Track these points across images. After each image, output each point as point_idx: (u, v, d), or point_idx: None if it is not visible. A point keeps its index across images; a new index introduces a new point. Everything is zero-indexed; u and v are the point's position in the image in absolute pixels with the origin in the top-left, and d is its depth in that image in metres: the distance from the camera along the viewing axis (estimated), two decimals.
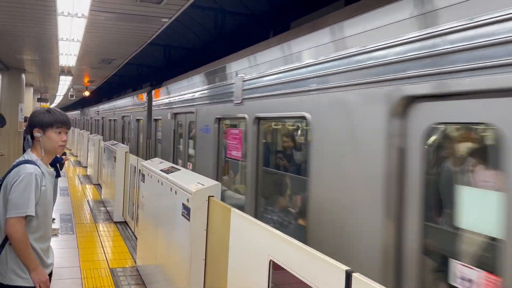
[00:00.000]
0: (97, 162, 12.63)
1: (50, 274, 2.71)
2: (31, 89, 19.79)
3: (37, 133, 2.64)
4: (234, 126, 5.71)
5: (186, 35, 14.19)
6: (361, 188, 2.93)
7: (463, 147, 2.54)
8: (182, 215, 3.71)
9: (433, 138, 2.55)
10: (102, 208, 9.49)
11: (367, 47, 2.95)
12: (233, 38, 10.97)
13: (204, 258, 3.50)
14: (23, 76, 13.38)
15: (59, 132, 2.68)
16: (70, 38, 8.09)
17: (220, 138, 5.90)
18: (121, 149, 8.43)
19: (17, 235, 2.44)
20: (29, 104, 18.02)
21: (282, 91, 4.05)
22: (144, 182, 5.44)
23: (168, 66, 16.21)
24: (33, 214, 2.47)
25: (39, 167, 2.57)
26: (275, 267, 2.47)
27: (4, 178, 2.57)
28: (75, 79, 16.42)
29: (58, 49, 9.23)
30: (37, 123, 2.65)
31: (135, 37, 8.18)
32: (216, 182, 3.66)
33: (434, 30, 2.46)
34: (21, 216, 2.44)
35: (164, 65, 16.58)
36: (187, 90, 7.47)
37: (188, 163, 7.38)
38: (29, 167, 2.51)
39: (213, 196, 3.51)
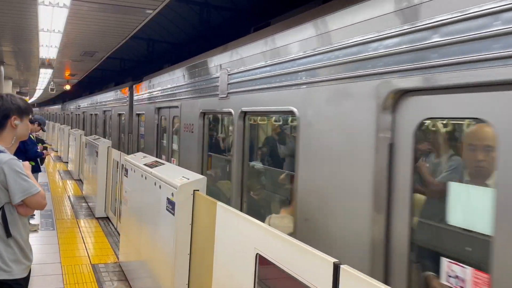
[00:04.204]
0: (78, 157, 12.40)
1: (29, 272, 2.62)
2: (10, 82, 19.33)
3: (16, 121, 2.55)
4: None
5: (170, 29, 14.03)
6: None
7: None
8: (167, 209, 3.66)
9: None
10: (84, 204, 9.32)
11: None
12: (218, 32, 10.89)
13: (189, 253, 3.45)
14: (2, 68, 13.07)
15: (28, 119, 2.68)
16: (51, 29, 7.91)
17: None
18: (104, 144, 8.29)
19: (43, 204, 2.55)
20: None
21: None
22: (127, 177, 5.35)
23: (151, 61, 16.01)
24: (39, 189, 2.52)
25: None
26: (261, 261, 2.45)
27: None
28: (56, 72, 16.10)
29: (38, 40, 9.02)
30: (15, 110, 2.55)
31: (118, 29, 8.04)
32: (202, 176, 3.61)
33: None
34: (33, 195, 2.46)
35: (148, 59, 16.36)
36: None
37: None
38: (4, 156, 2.42)
39: (198, 190, 3.47)
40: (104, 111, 12.86)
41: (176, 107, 6.57)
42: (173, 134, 7.08)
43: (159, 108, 7.73)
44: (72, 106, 22.60)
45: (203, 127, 5.65)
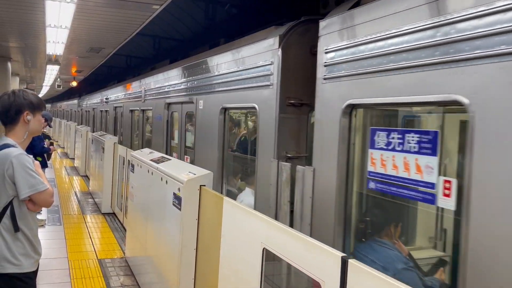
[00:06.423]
0: (84, 153, 12.46)
1: (38, 266, 2.63)
2: (17, 79, 19.46)
3: (28, 117, 2.55)
4: None
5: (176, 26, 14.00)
6: None
7: None
8: (173, 204, 3.66)
9: None
10: (90, 200, 9.37)
11: None
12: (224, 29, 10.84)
13: (195, 248, 3.45)
14: (9, 64, 13.14)
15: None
16: (58, 25, 7.92)
17: None
18: (110, 140, 8.32)
19: (50, 201, 2.52)
20: None
21: None
22: (133, 172, 5.36)
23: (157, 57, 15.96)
24: (47, 186, 2.48)
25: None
26: (268, 256, 2.44)
27: None
28: (63, 69, 16.14)
29: (45, 36, 9.04)
30: (27, 106, 2.54)
31: (125, 25, 8.02)
32: (208, 171, 3.61)
33: None
34: (39, 191, 2.44)
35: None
36: None
37: None
38: (14, 150, 2.43)
39: (205, 185, 3.47)
40: (168, 104, 6.64)
41: None
42: None
43: None
44: (94, 100, 15.42)
45: None
